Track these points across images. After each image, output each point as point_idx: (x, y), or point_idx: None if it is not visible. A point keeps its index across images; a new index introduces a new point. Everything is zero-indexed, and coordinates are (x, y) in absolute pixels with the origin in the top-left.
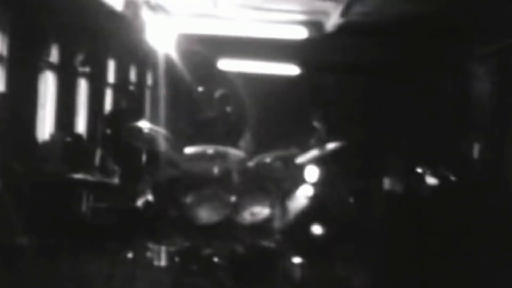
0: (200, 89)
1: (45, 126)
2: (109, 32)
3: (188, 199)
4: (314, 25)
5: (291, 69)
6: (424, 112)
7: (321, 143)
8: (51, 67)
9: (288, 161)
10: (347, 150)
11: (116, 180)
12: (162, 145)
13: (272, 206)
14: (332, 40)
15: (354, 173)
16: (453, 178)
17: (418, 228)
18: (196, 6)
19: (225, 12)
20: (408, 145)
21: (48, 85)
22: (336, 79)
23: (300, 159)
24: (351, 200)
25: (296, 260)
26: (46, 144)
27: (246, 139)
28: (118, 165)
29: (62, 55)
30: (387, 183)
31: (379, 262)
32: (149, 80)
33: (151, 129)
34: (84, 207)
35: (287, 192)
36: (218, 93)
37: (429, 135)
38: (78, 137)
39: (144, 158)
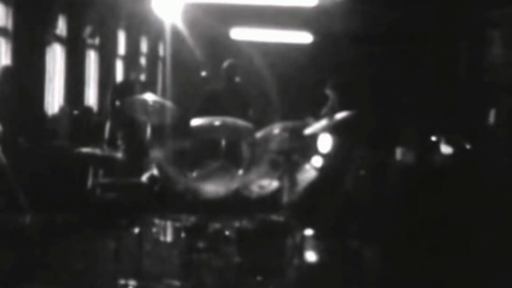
0: (204, 73)
1: (54, 100)
2: (116, 2)
3: (194, 173)
4: None
5: (304, 37)
6: (439, 79)
7: (332, 113)
8: (59, 39)
9: (297, 132)
10: (358, 119)
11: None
12: (168, 118)
13: (280, 179)
14: (344, 7)
15: (366, 143)
16: (468, 146)
17: (432, 200)
18: None
19: None
20: (422, 113)
21: (56, 58)
22: (350, 47)
23: (308, 130)
24: (363, 171)
25: (307, 233)
26: (54, 118)
27: (256, 110)
28: (122, 139)
29: (70, 27)
30: (400, 153)
31: (391, 235)
32: (159, 52)
33: (156, 102)
34: (89, 183)
35: (296, 164)
36: (225, 63)
37: (444, 103)
38: (86, 110)
39: (148, 131)
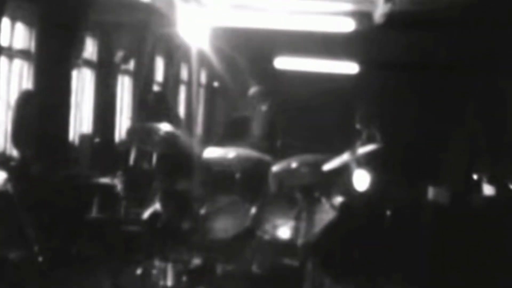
0: (216, 84)
1: (82, 126)
2: (143, 26)
3: (203, 209)
4: (362, 16)
5: (340, 66)
6: (483, 112)
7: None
8: (89, 63)
9: (318, 167)
10: (385, 153)
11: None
12: (178, 148)
13: (297, 218)
14: (379, 33)
15: (395, 180)
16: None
17: (469, 246)
18: None
19: (261, 3)
20: (463, 148)
21: (85, 83)
22: (384, 76)
23: (327, 165)
24: (389, 212)
25: (324, 280)
26: (76, 145)
27: (284, 141)
28: (123, 170)
29: (100, 51)
30: (434, 192)
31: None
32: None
33: (165, 131)
34: (89, 216)
35: (316, 202)
36: (252, 90)
37: (488, 136)
38: (109, 137)
39: (154, 162)
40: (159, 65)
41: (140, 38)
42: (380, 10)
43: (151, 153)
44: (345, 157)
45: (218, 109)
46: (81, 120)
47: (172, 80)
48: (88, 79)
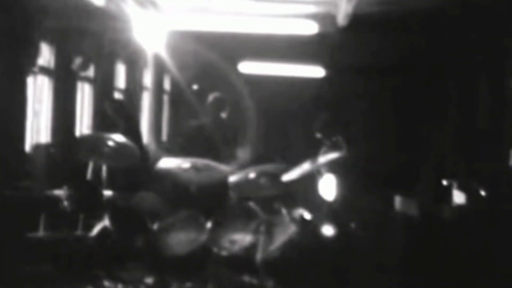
0: (195, 87)
1: (39, 136)
2: (101, 32)
3: (156, 225)
4: (325, 18)
5: (305, 70)
6: (453, 115)
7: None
8: (46, 71)
9: (278, 178)
10: (349, 162)
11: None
12: (129, 160)
13: (256, 233)
14: (342, 36)
15: (359, 190)
16: (483, 193)
17: (438, 260)
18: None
19: (221, 6)
20: (432, 154)
21: (43, 91)
22: (349, 80)
23: (286, 176)
24: (353, 224)
25: None
26: (30, 156)
27: (243, 150)
28: (69, 184)
29: (57, 58)
30: (401, 202)
31: None
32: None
33: (116, 142)
34: (33, 234)
35: (275, 215)
36: (211, 97)
37: (458, 143)
38: (65, 147)
39: (103, 176)
40: (121, 71)
41: (98, 44)
42: (342, 12)
43: (100, 165)
44: (305, 166)
45: (183, 116)
46: (38, 130)
47: (133, 86)
48: (46, 87)
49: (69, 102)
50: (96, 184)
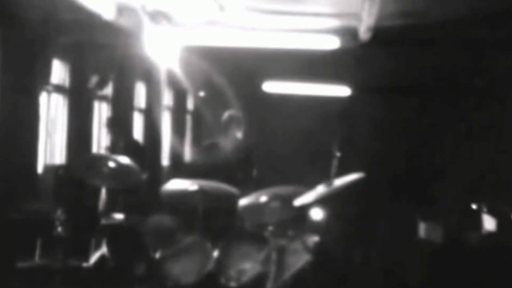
0: (202, 94)
1: (53, 157)
2: (118, 49)
3: (159, 252)
4: (347, 33)
5: (327, 88)
6: (482, 133)
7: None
8: (61, 90)
9: (290, 202)
10: (368, 184)
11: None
12: (131, 182)
13: (266, 262)
14: (363, 52)
15: (379, 216)
16: None
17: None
18: (200, 13)
19: (237, 21)
20: (459, 176)
21: (57, 110)
22: (372, 99)
23: (298, 200)
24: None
25: None
26: (41, 178)
27: (258, 171)
28: (63, 208)
29: (72, 76)
30: (426, 227)
31: None
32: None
33: (117, 163)
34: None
35: (287, 242)
36: (226, 114)
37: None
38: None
39: (102, 199)
40: (141, 89)
41: (115, 62)
42: (364, 25)
43: (98, 187)
44: (320, 189)
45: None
46: (52, 151)
47: (153, 105)
48: (61, 106)
49: (85, 122)
50: (93, 208)
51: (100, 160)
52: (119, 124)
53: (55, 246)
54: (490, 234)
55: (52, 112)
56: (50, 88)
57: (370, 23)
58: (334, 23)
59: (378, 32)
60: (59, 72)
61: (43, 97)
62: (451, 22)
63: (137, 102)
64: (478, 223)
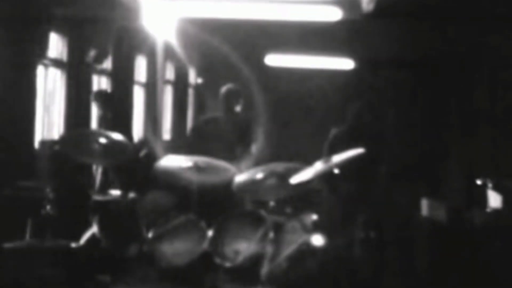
0: (200, 80)
1: (51, 132)
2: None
3: (151, 232)
4: (349, 4)
5: (322, 61)
6: (483, 110)
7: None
8: (59, 64)
9: (287, 178)
10: (366, 160)
11: None
12: (121, 158)
13: (262, 241)
14: (368, 23)
15: (379, 193)
16: None
17: (468, 269)
18: None
19: None
20: (464, 151)
21: (55, 84)
22: (375, 72)
23: (296, 177)
24: (373, 234)
25: None
26: (38, 153)
27: (258, 146)
28: (52, 187)
29: (70, 50)
30: (429, 205)
31: None
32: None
33: (109, 139)
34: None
35: (285, 221)
36: (224, 89)
37: (490, 137)
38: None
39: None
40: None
41: (115, 35)
42: None
43: (89, 165)
44: (318, 166)
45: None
46: (50, 126)
47: (154, 80)
48: (58, 81)
49: (84, 96)
50: (83, 186)
51: (90, 136)
52: (107, 98)
53: (44, 226)
54: (495, 212)
55: (50, 87)
56: (47, 62)
57: None
58: None
59: (382, 3)
60: (57, 46)
61: (40, 71)
62: None
63: (137, 76)
64: (483, 200)
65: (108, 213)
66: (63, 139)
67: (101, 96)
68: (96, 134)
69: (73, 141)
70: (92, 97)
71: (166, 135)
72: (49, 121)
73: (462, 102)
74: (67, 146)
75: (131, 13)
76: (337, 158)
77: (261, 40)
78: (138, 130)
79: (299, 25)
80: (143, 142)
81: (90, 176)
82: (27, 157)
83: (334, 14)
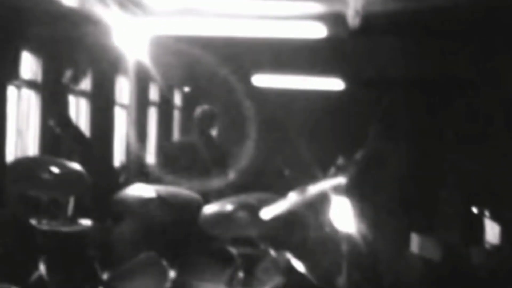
0: (186, 89)
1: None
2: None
3: (107, 272)
4: (334, 19)
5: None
6: (483, 134)
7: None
8: (33, 85)
9: (258, 212)
10: (354, 189)
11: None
12: (78, 190)
13: (230, 284)
14: (354, 40)
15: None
16: None
17: None
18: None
19: (213, 8)
20: (459, 179)
21: (30, 107)
22: (361, 93)
23: (268, 210)
24: (356, 275)
25: None
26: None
27: (234, 173)
28: None
29: (45, 70)
30: (419, 241)
31: None
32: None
33: (64, 169)
34: None
35: (256, 259)
36: (198, 111)
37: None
38: None
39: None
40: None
41: (94, 54)
42: (352, 11)
43: (37, 198)
44: (292, 198)
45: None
46: (24, 151)
47: (137, 101)
48: (33, 103)
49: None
50: (27, 221)
51: (41, 164)
52: (65, 123)
53: None
54: (495, 248)
55: (23, 109)
56: (19, 83)
57: (358, 6)
58: (320, 8)
59: (368, 19)
60: (30, 66)
61: (12, 93)
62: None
63: (118, 98)
64: (481, 231)
65: (56, 251)
66: (10, 167)
67: (59, 120)
68: (48, 162)
69: (20, 169)
70: (50, 122)
71: (151, 158)
72: (22, 145)
73: (458, 124)
74: (13, 175)
75: (108, 31)
76: (313, 189)
77: (247, 57)
78: (120, 153)
79: (279, 43)
80: (124, 167)
81: (37, 210)
82: None
83: (319, 31)
